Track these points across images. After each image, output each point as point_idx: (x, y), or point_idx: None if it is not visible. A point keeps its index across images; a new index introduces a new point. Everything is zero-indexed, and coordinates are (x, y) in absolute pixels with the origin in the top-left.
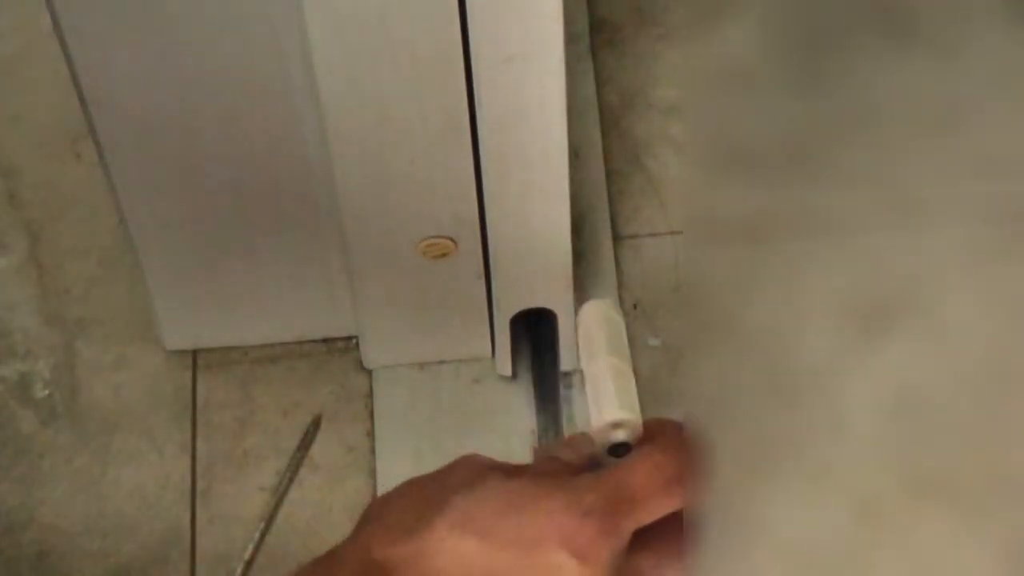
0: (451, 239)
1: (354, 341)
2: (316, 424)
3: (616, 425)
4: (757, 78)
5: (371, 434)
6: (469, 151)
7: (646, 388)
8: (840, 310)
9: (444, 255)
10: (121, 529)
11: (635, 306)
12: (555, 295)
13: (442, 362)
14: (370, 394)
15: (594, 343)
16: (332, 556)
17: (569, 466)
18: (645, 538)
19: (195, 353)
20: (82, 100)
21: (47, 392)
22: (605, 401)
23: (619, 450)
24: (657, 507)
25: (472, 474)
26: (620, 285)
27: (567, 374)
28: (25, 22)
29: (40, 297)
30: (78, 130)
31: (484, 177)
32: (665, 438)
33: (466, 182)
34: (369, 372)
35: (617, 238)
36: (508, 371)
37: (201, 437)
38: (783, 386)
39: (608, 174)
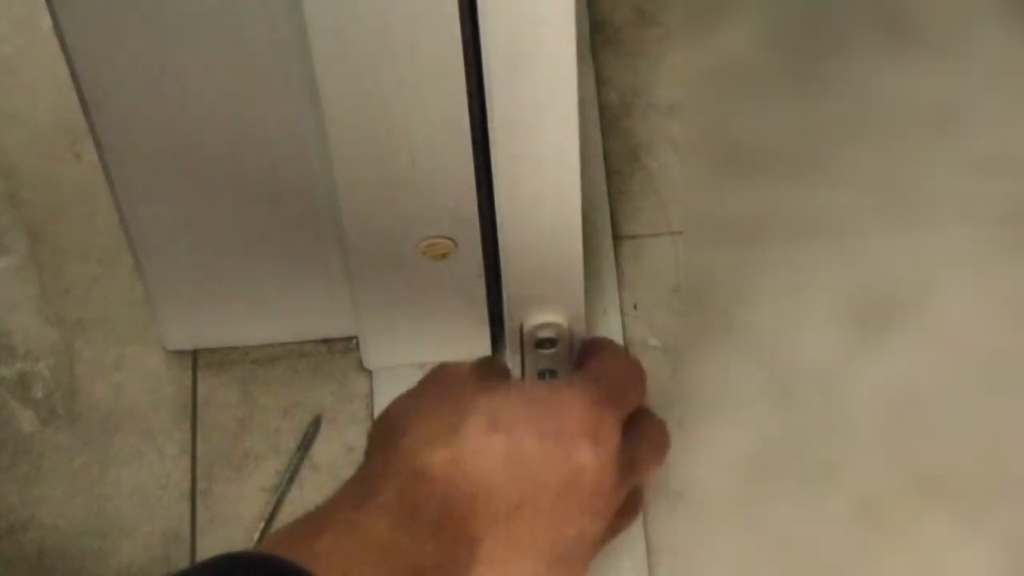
0: (451, 239)
1: (354, 341)
2: (316, 424)
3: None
4: (757, 78)
5: None
6: (469, 151)
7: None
8: (840, 310)
9: (444, 255)
10: (121, 529)
11: (635, 306)
12: (567, 307)
13: None
14: (370, 394)
15: None
16: (371, 470)
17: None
18: (627, 432)
19: (195, 353)
20: (82, 100)
21: (47, 392)
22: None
23: (544, 345)
24: (633, 400)
25: (478, 379)
26: (620, 285)
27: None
28: (25, 22)
29: (40, 297)
30: (78, 130)
31: (495, 181)
32: (612, 349)
33: (466, 182)
34: (369, 372)
35: (617, 238)
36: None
37: (201, 437)
38: (783, 386)
39: (608, 174)
